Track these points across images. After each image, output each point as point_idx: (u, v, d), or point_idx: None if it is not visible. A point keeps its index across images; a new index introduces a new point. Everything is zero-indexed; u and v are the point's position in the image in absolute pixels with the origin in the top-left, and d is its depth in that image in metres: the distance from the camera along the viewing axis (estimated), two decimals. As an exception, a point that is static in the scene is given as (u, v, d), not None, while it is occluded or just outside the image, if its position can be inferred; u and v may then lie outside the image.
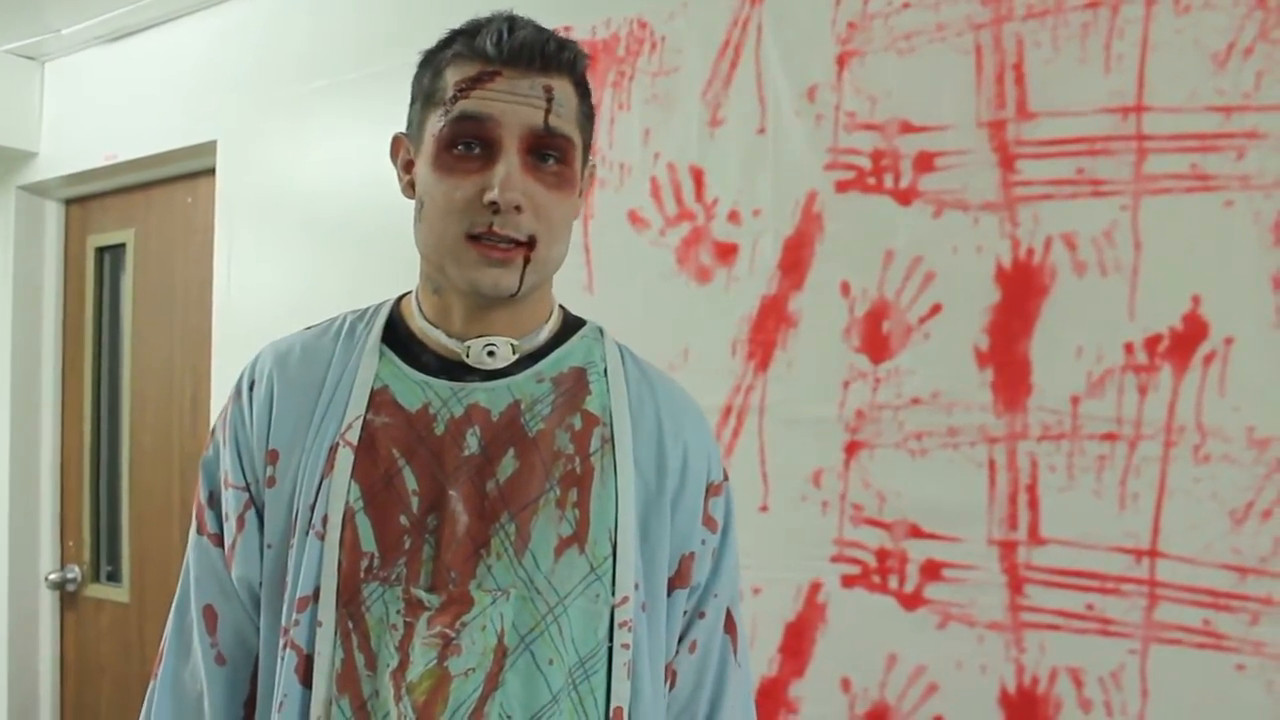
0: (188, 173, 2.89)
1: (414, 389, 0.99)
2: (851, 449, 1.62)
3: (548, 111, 0.93)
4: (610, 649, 0.95)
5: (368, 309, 1.07)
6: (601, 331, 1.09)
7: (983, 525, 1.51)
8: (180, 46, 2.80)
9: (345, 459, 0.96)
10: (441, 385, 0.99)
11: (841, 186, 1.65)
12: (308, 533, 0.94)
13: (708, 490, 1.05)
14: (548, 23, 0.98)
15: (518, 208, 0.92)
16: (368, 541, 0.94)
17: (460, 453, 0.96)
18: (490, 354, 0.99)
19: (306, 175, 2.46)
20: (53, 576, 3.13)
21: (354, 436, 0.96)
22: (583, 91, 0.99)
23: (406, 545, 0.94)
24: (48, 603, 3.18)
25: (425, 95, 0.98)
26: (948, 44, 1.57)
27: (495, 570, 0.93)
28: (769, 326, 1.71)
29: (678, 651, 1.04)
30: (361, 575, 0.93)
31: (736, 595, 1.10)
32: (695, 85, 1.81)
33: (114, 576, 3.11)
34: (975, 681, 1.50)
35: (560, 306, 1.08)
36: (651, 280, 1.83)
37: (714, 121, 1.79)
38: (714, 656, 1.06)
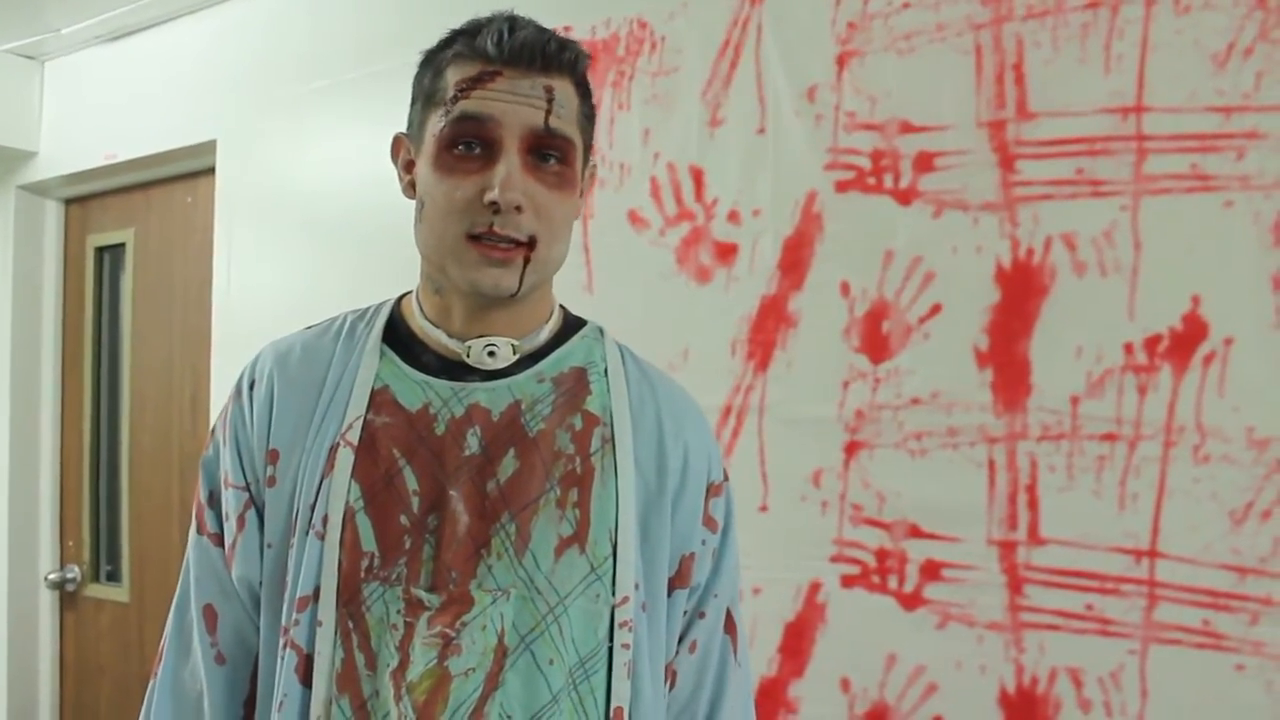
0: (187, 172, 2.89)
1: (414, 389, 0.99)
2: (851, 449, 1.62)
3: (548, 112, 0.93)
4: (610, 649, 0.95)
5: (368, 309, 1.07)
6: (602, 331, 1.09)
7: (982, 525, 1.51)
8: (180, 46, 2.80)
9: (346, 459, 0.96)
10: (442, 385, 0.99)
11: (841, 186, 1.65)
12: (308, 532, 0.94)
13: (708, 490, 1.05)
14: (548, 22, 0.98)
15: (518, 208, 0.92)
16: (368, 541, 0.94)
17: (461, 453, 0.96)
18: (491, 354, 0.99)
19: (306, 175, 2.46)
20: (52, 576, 3.13)
21: (354, 436, 0.96)
22: (584, 92, 0.99)
23: (407, 545, 0.94)
24: (47, 602, 3.18)
25: (426, 95, 0.98)
26: (948, 44, 1.57)
27: (496, 570, 0.93)
28: (769, 326, 1.71)
29: (678, 651, 1.04)
30: (362, 575, 0.93)
31: (736, 595, 1.10)
32: (695, 85, 1.81)
33: (113, 576, 3.11)
34: (975, 681, 1.50)
35: (561, 306, 1.08)
36: (651, 280, 1.84)
37: (714, 121, 1.79)
38: (714, 657, 1.06)
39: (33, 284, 3.21)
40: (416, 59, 1.02)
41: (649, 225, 1.85)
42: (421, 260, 1.01)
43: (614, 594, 0.95)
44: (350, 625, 0.92)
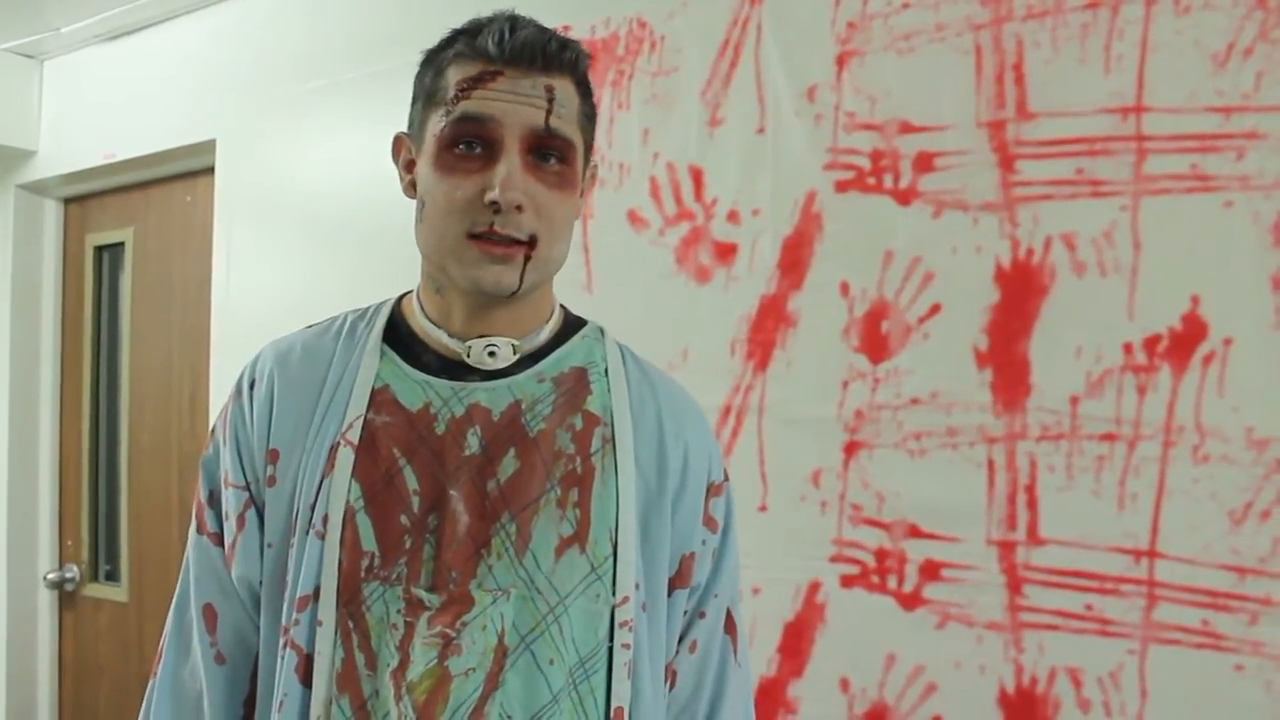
0: (187, 171, 2.89)
1: (415, 388, 0.99)
2: (850, 449, 1.62)
3: (549, 112, 0.93)
4: (610, 649, 0.95)
5: (368, 308, 1.07)
6: (602, 331, 1.09)
7: (982, 525, 1.51)
8: (179, 45, 2.80)
9: (346, 458, 0.96)
10: (442, 385, 0.99)
11: (841, 186, 1.65)
12: (308, 532, 0.94)
13: (708, 490, 1.05)
14: (547, 22, 0.98)
15: (519, 207, 0.92)
16: (368, 541, 0.94)
17: (461, 452, 0.96)
18: (491, 354, 0.99)
19: (306, 174, 2.46)
20: (51, 576, 3.13)
21: (355, 436, 0.96)
22: (584, 91, 0.99)
23: (407, 545, 0.94)
24: (46, 602, 3.18)
25: (427, 95, 0.98)
26: (947, 44, 1.57)
27: (496, 570, 0.93)
28: (768, 326, 1.71)
29: (678, 651, 1.04)
30: (362, 575, 0.93)
31: (737, 595, 1.10)
32: (695, 85, 1.81)
33: (112, 576, 3.11)
34: (974, 681, 1.50)
35: (561, 306, 1.08)
36: (651, 280, 1.84)
37: (713, 121, 1.79)
38: (714, 656, 1.06)
39: (32, 283, 3.20)
40: (416, 59, 1.02)
41: (648, 225, 1.85)
42: (422, 260, 1.02)
43: (614, 594, 0.95)
44: (350, 625, 0.92)
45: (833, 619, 1.63)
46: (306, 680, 0.93)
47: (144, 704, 1.03)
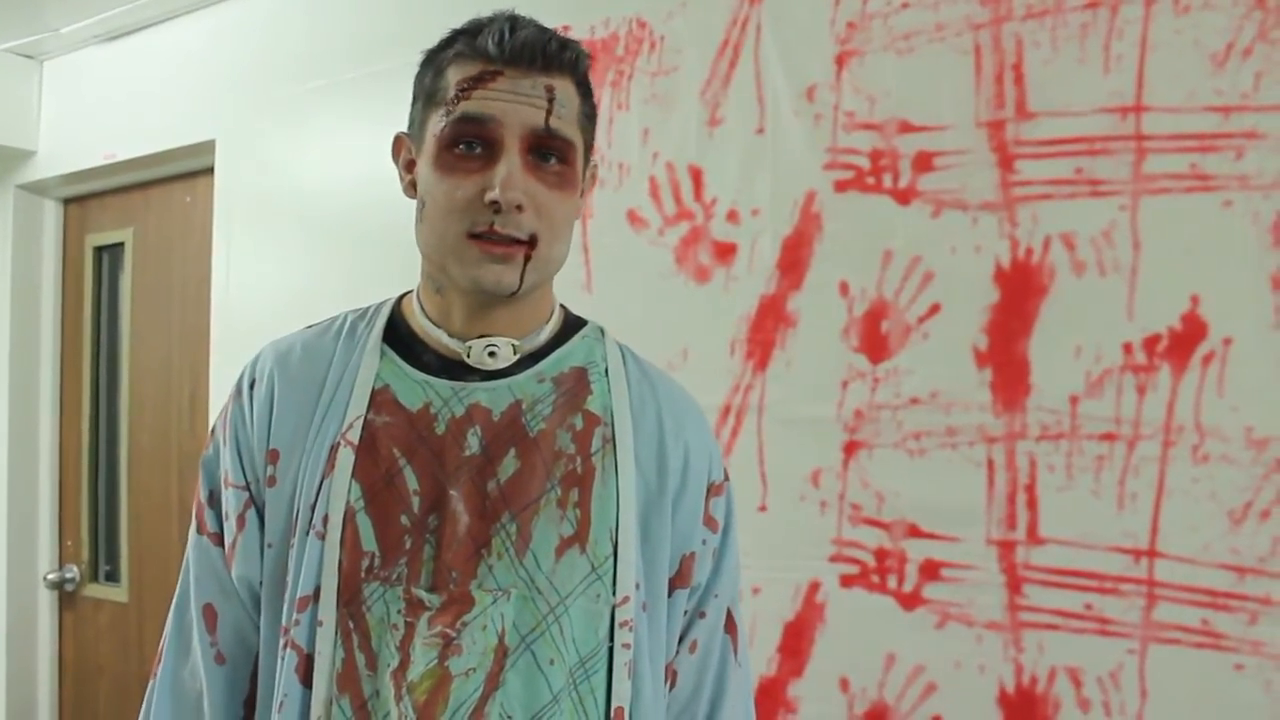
0: (186, 172, 2.88)
1: (415, 388, 0.99)
2: (850, 449, 1.62)
3: (549, 112, 0.93)
4: (611, 649, 0.95)
5: (368, 308, 1.07)
6: (602, 331, 1.09)
7: (981, 525, 1.51)
8: (179, 45, 2.80)
9: (346, 458, 0.96)
10: (442, 385, 0.99)
11: (840, 186, 1.65)
12: (308, 532, 0.94)
13: (709, 490, 1.05)
14: (547, 22, 0.98)
15: (519, 207, 0.92)
16: (368, 541, 0.94)
17: (461, 452, 0.96)
18: (491, 354, 0.99)
19: (305, 174, 2.46)
20: (51, 576, 3.13)
21: (355, 436, 0.96)
22: (584, 91, 0.99)
23: (407, 545, 0.94)
24: (46, 602, 3.18)
25: (427, 95, 0.98)
26: (947, 44, 1.57)
27: (496, 570, 0.93)
28: (768, 326, 1.71)
29: (678, 651, 1.04)
30: (362, 575, 0.93)
31: (737, 595, 1.10)
32: (694, 85, 1.81)
33: (112, 576, 3.11)
34: (974, 681, 1.50)
35: (561, 306, 1.08)
36: (650, 280, 1.84)
37: (713, 121, 1.79)
38: (714, 656, 1.06)
39: (31, 283, 3.20)
40: (415, 59, 1.02)
41: (648, 225, 1.85)
42: (422, 260, 1.02)
43: (614, 594, 0.95)
44: (351, 625, 0.92)
45: (832, 619, 1.63)
46: (307, 680, 0.93)
47: (144, 704, 1.03)
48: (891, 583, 1.58)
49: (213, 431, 1.06)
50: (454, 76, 0.94)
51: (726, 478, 1.09)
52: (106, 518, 3.14)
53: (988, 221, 1.52)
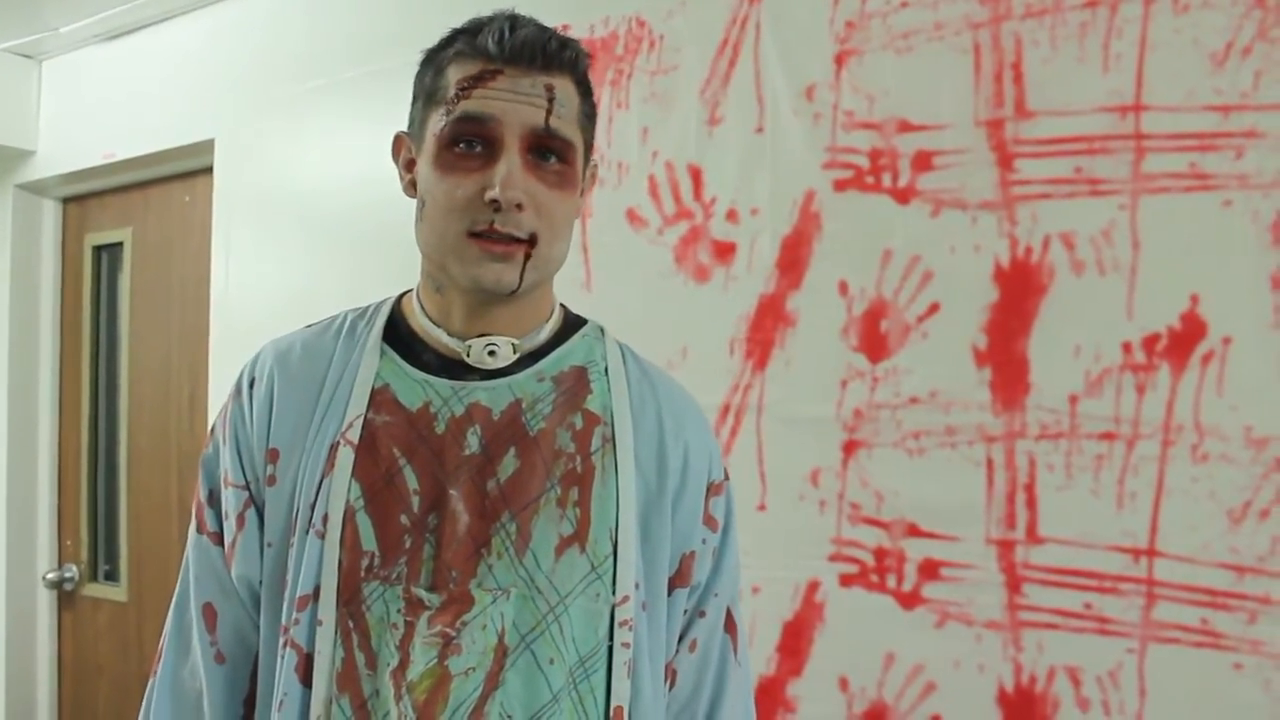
0: (185, 171, 2.88)
1: (415, 388, 0.99)
2: (849, 448, 1.62)
3: (549, 112, 0.93)
4: (610, 648, 0.95)
5: (368, 307, 1.07)
6: (602, 330, 1.09)
7: (981, 524, 1.51)
8: (178, 45, 2.80)
9: (346, 458, 0.96)
10: (442, 384, 0.99)
11: (839, 185, 1.65)
12: (308, 531, 0.94)
13: (708, 489, 1.05)
14: (547, 21, 0.98)
15: (519, 206, 0.92)
16: (368, 540, 0.94)
17: (461, 452, 0.96)
18: (491, 354, 0.99)
19: (304, 174, 2.46)
20: (50, 576, 3.13)
21: (355, 435, 0.96)
22: (584, 90, 0.99)
23: (407, 544, 0.94)
24: (45, 602, 3.18)
25: (427, 94, 0.98)
26: (946, 43, 1.57)
27: (496, 569, 0.93)
28: (767, 325, 1.71)
29: (678, 650, 1.04)
30: (362, 574, 0.93)
31: (736, 594, 1.10)
32: (693, 84, 1.81)
33: (112, 575, 3.11)
34: (973, 681, 1.50)
35: (561, 305, 1.08)
36: (650, 279, 1.84)
37: (712, 120, 1.79)
38: (714, 655, 1.06)
39: (31, 283, 3.20)
40: (414, 58, 1.02)
41: (647, 224, 1.85)
42: (422, 259, 1.02)
43: (614, 593, 0.95)
44: (350, 624, 0.92)
45: (832, 618, 1.63)
46: (306, 680, 0.93)
47: (144, 703, 1.03)
48: (891, 582, 1.58)
49: (212, 431, 1.06)
50: (454, 75, 0.94)
51: (726, 477, 1.09)
52: (106, 517, 3.14)
53: (987, 221, 1.52)
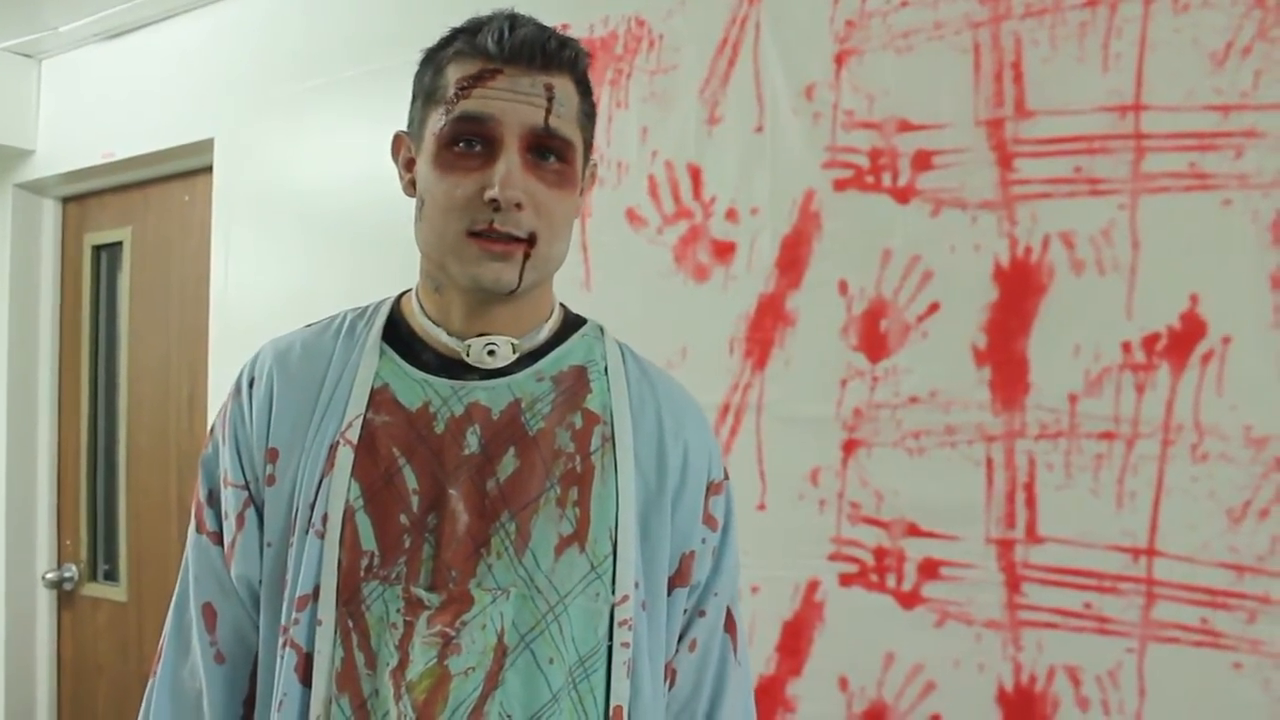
0: (185, 171, 2.88)
1: (414, 387, 0.99)
2: (849, 447, 1.62)
3: (548, 111, 0.93)
4: (610, 648, 0.95)
5: (368, 307, 1.07)
6: (602, 330, 1.09)
7: (980, 524, 1.51)
8: (178, 44, 2.80)
9: (345, 457, 0.95)
10: (442, 384, 0.99)
11: (839, 185, 1.65)
12: (307, 531, 0.94)
13: (708, 489, 1.05)
14: (546, 20, 0.98)
15: (518, 205, 0.92)
16: (368, 540, 0.94)
17: (460, 451, 0.96)
18: (490, 353, 0.99)
19: (304, 173, 2.46)
20: (50, 575, 3.13)
21: (354, 435, 0.96)
22: (584, 90, 0.99)
23: (406, 544, 0.94)
24: (45, 602, 3.18)
25: (426, 93, 0.98)
26: (946, 42, 1.57)
27: (495, 569, 0.93)
28: (767, 325, 1.71)
29: (677, 650, 1.04)
30: (361, 574, 0.93)
31: (736, 594, 1.10)
32: (693, 83, 1.81)
33: (111, 575, 3.10)
34: (973, 680, 1.50)
35: (561, 305, 1.08)
36: (649, 278, 1.83)
37: (712, 119, 1.79)
38: (714, 655, 1.06)
39: (30, 283, 3.20)
40: (415, 57, 1.02)
41: (647, 223, 1.85)
42: (421, 258, 1.01)
43: (614, 593, 0.95)
44: (350, 624, 0.92)
45: (831, 617, 1.63)
46: (306, 679, 0.93)
47: (143, 703, 1.03)
48: (890, 581, 1.58)
49: (212, 430, 1.06)
50: (453, 75, 0.94)
51: (726, 476, 1.09)
52: (105, 517, 3.14)
53: (987, 220, 1.52)
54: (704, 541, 1.05)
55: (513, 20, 0.94)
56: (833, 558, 1.63)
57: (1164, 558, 1.38)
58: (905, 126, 1.59)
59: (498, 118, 0.92)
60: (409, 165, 1.01)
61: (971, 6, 1.54)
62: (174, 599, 1.04)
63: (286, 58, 2.51)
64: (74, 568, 3.14)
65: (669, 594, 1.01)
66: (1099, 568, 1.42)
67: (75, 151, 3.01)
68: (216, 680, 1.00)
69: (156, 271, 2.99)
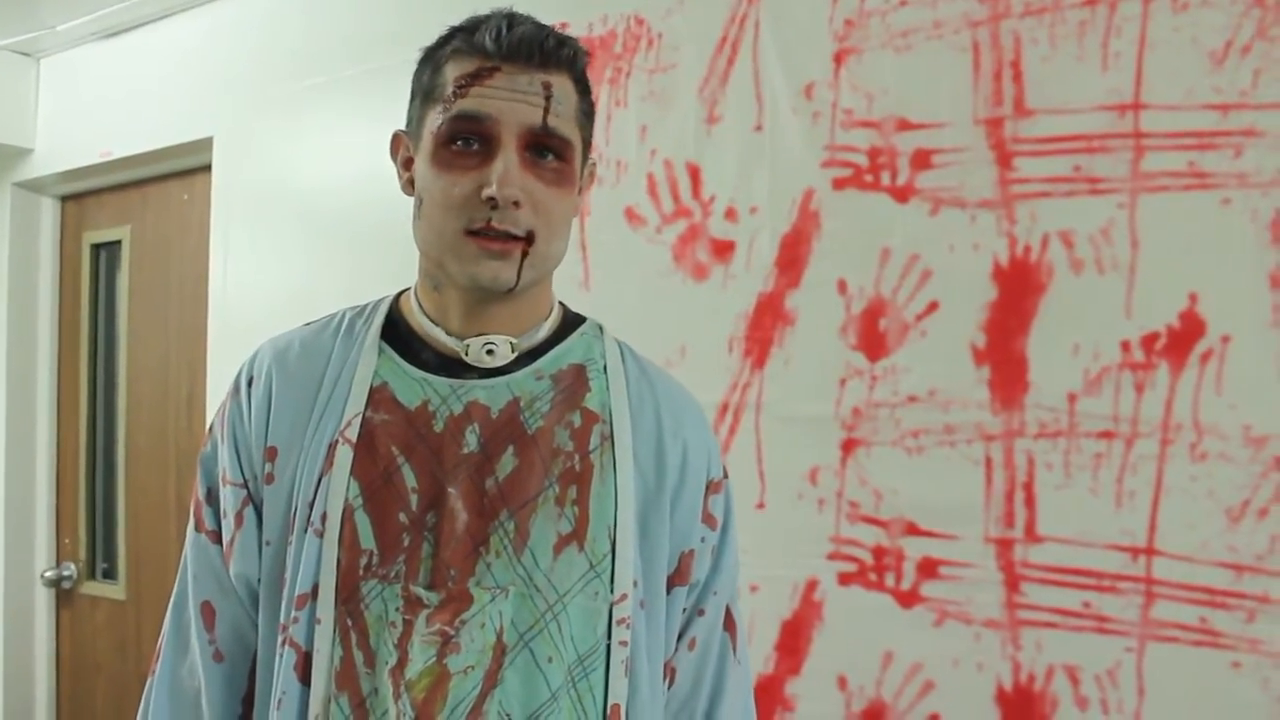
0: (184, 169, 2.88)
1: (413, 386, 0.99)
2: (848, 446, 1.62)
3: (546, 110, 0.93)
4: (609, 646, 0.95)
5: (366, 305, 1.07)
6: (601, 328, 1.09)
7: (979, 523, 1.51)
8: (176, 43, 2.80)
9: (344, 456, 0.95)
10: (441, 382, 0.99)
11: (838, 184, 1.65)
12: (306, 530, 0.94)
13: (707, 487, 1.05)
14: (545, 19, 0.98)
15: (516, 203, 0.92)
16: (367, 539, 0.93)
17: (459, 450, 0.96)
18: (489, 353, 0.98)
19: (302, 172, 2.46)
20: (48, 574, 3.13)
21: (353, 434, 0.96)
22: (582, 88, 0.99)
23: (405, 543, 0.94)
24: (43, 600, 3.18)
25: (425, 92, 0.98)
26: (945, 41, 1.57)
27: (494, 568, 0.93)
28: (766, 324, 1.71)
29: (677, 649, 1.04)
30: (360, 573, 0.93)
31: (735, 592, 1.10)
32: (692, 82, 1.81)
33: (110, 574, 3.10)
34: (972, 679, 1.50)
35: (560, 304, 1.08)
36: (648, 277, 1.83)
37: (711, 118, 1.79)
38: (713, 654, 1.06)
39: (29, 281, 3.20)
40: (414, 56, 1.01)
41: (646, 222, 1.85)
42: (420, 257, 1.01)
43: (612, 591, 0.95)
44: (349, 623, 0.92)
45: (830, 617, 1.63)
46: (305, 678, 0.93)
47: (142, 702, 1.03)
48: (889, 581, 1.58)
49: (210, 429, 1.06)
50: (451, 73, 0.94)
51: (725, 475, 1.09)
52: (104, 515, 3.14)
53: (986, 219, 1.52)
54: (703, 540, 1.04)
55: (511, 18, 0.94)
56: (832, 557, 1.63)
57: (1163, 557, 1.38)
58: (904, 125, 1.59)
59: (495, 116, 0.92)
60: (407, 164, 1.01)
61: (971, 5, 1.54)
62: (173, 597, 1.04)
63: (285, 56, 2.51)
64: (73, 566, 3.14)
65: (668, 593, 1.01)
66: (1098, 567, 1.42)
67: (74, 150, 3.01)
68: (215, 679, 1.00)
69: (155, 270, 2.99)
